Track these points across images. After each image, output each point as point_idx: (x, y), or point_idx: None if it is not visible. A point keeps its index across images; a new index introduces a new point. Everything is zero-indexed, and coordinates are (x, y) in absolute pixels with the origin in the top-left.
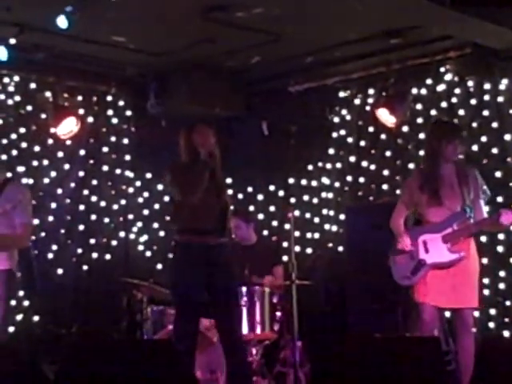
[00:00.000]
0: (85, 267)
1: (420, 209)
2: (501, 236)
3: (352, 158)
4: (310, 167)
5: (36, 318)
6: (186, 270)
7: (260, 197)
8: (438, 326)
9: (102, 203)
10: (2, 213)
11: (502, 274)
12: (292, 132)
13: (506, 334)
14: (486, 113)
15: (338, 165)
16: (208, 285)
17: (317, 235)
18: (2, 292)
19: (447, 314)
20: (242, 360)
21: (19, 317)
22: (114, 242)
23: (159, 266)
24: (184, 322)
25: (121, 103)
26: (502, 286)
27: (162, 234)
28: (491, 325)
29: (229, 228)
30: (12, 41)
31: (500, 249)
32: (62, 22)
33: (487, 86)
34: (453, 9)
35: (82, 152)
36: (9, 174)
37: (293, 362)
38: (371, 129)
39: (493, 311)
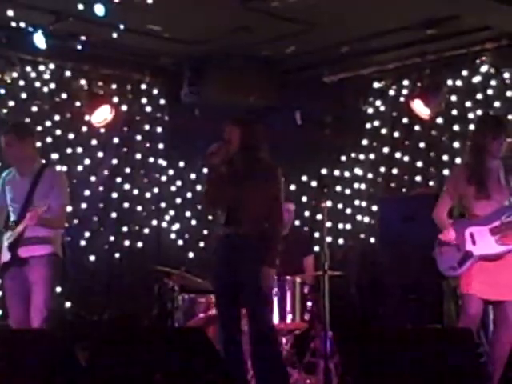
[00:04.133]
0: (117, 255)
1: (465, 201)
2: None
3: (385, 149)
4: (343, 158)
5: (68, 304)
6: (218, 260)
7: (292, 187)
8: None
9: (135, 191)
10: (41, 198)
11: None
12: (327, 122)
13: None
14: None
15: (372, 156)
16: (237, 273)
17: (349, 226)
18: (46, 274)
19: None
20: (270, 349)
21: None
22: (146, 230)
23: (191, 255)
24: (223, 310)
25: (155, 92)
26: None
27: (193, 222)
28: None
29: (254, 218)
30: (49, 28)
31: None
32: (99, 8)
33: None
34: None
35: (116, 140)
36: (43, 161)
37: (323, 353)
38: (405, 120)
39: None
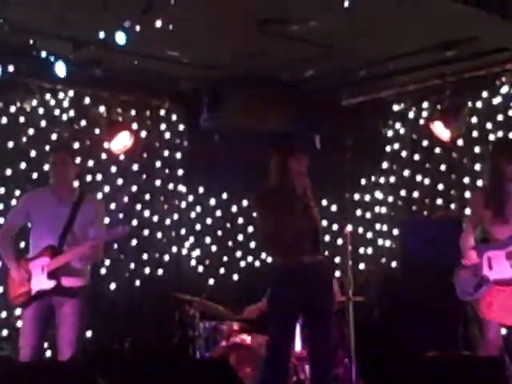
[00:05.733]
0: (137, 282)
1: (485, 226)
2: None
3: (406, 172)
4: (364, 181)
5: (89, 334)
6: (286, 290)
7: None
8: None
9: (155, 218)
10: (82, 226)
11: None
12: (347, 146)
13: None
14: None
15: (392, 179)
16: (305, 300)
17: (370, 250)
18: (81, 307)
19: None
20: (327, 374)
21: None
22: (167, 257)
23: (211, 282)
24: (278, 340)
25: (174, 117)
26: None
27: (214, 248)
28: None
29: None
30: (69, 56)
31: None
32: (120, 37)
33: None
34: (511, 20)
35: (135, 167)
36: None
37: (348, 380)
38: (425, 142)
39: None
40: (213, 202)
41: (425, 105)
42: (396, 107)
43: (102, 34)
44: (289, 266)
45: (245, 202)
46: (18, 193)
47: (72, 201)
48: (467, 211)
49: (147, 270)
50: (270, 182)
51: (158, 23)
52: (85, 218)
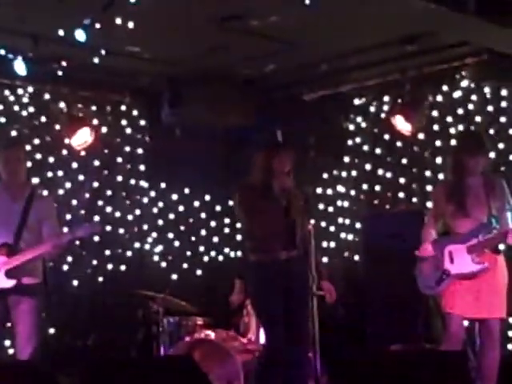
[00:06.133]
0: (100, 279)
1: (447, 220)
2: None
3: (367, 166)
4: (325, 175)
5: (52, 331)
6: (268, 287)
7: None
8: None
9: (117, 214)
10: (35, 223)
11: None
12: (309, 140)
13: None
14: (503, 119)
15: (354, 173)
16: (283, 295)
17: (333, 244)
18: (37, 304)
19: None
20: (301, 369)
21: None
22: (129, 253)
23: (174, 277)
24: (272, 336)
25: (135, 113)
26: None
27: (177, 244)
28: (511, 333)
29: (301, 241)
30: (28, 54)
31: None
32: (79, 35)
33: (504, 93)
34: (471, 15)
35: (97, 163)
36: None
37: (313, 374)
38: (387, 136)
39: None
40: (175, 197)
41: (386, 99)
42: (357, 101)
43: (61, 32)
44: (265, 262)
45: (207, 197)
46: None
47: (24, 197)
48: (429, 204)
49: (110, 266)
50: (252, 179)
51: (118, 20)
52: (38, 214)
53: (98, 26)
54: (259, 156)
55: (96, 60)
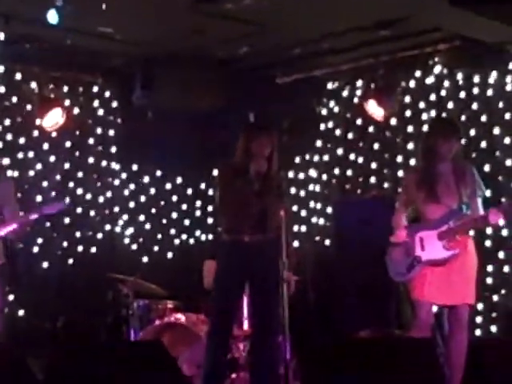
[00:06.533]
0: (70, 261)
1: (418, 206)
2: (489, 231)
3: (339, 151)
4: (297, 159)
5: (21, 312)
6: (226, 265)
7: None
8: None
9: (88, 196)
10: None
11: (489, 268)
12: (281, 124)
13: (494, 328)
14: (474, 106)
15: (326, 157)
16: (247, 278)
17: (303, 228)
18: (2, 286)
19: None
20: (269, 354)
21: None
22: (100, 235)
23: (145, 259)
24: (219, 316)
25: (107, 94)
26: (489, 280)
27: (148, 226)
28: (478, 319)
29: (271, 226)
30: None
31: (488, 243)
32: (52, 16)
33: (476, 79)
34: (445, 1)
35: (68, 144)
36: None
37: (282, 359)
38: (359, 121)
39: (480, 306)
40: (146, 179)
41: (359, 83)
42: (330, 85)
43: (33, 13)
44: (231, 242)
45: (179, 180)
46: None
47: None
48: (400, 190)
49: (80, 248)
50: (234, 159)
51: (91, 1)
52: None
53: (70, 7)
54: (240, 138)
55: (65, 39)
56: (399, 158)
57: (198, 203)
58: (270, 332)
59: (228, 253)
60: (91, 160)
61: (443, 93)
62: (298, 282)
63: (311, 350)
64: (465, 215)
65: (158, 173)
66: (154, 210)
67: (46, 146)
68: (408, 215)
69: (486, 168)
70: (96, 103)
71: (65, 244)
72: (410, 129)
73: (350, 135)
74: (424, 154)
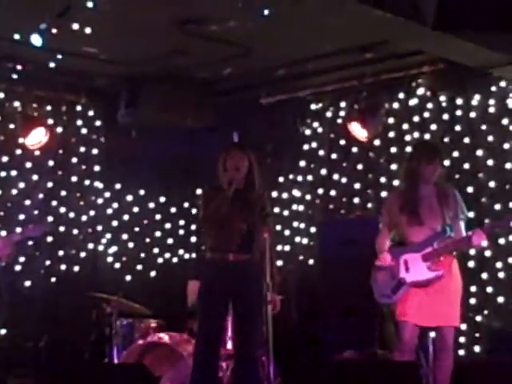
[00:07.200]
0: (53, 279)
1: (401, 229)
2: (472, 251)
3: (323, 171)
4: (281, 179)
5: (3, 331)
6: (210, 285)
7: None
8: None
9: (71, 214)
10: None
11: (472, 289)
12: (265, 144)
13: (477, 349)
14: (458, 128)
15: (309, 177)
16: (231, 298)
17: (287, 248)
18: None
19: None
20: (252, 374)
21: None
22: (83, 254)
23: (128, 278)
24: (205, 337)
25: (90, 113)
26: (472, 301)
27: (131, 245)
28: (462, 340)
29: (256, 246)
30: None
31: (471, 264)
32: (36, 39)
33: (459, 102)
34: (429, 26)
35: (51, 163)
36: None
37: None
38: (343, 142)
39: (464, 326)
40: (130, 198)
41: (342, 104)
42: (314, 106)
43: (17, 36)
44: (214, 261)
45: (162, 199)
46: None
47: None
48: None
49: (63, 267)
50: (216, 181)
51: (76, 25)
52: None
53: (54, 30)
54: (219, 157)
55: (49, 59)
56: (382, 179)
57: (182, 222)
58: (254, 351)
59: (212, 271)
60: (74, 179)
61: (426, 115)
62: (281, 301)
63: (295, 371)
64: (449, 237)
65: (142, 191)
66: (137, 229)
67: (28, 165)
68: (393, 237)
69: (470, 190)
70: (79, 122)
71: (47, 262)
72: (394, 150)
73: (334, 155)
74: (407, 177)
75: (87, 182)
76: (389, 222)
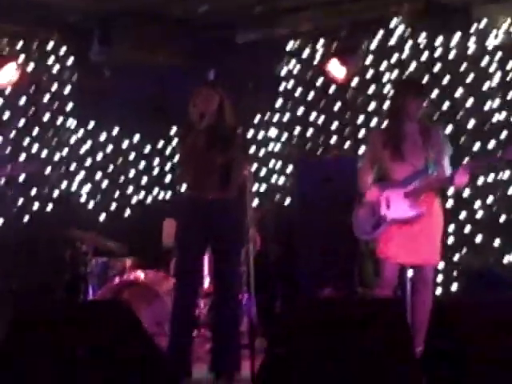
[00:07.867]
0: (26, 218)
1: (383, 165)
2: (450, 191)
3: (300, 111)
4: (258, 118)
5: None
6: (188, 223)
7: None
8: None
9: (44, 153)
10: None
11: (450, 228)
12: (241, 83)
13: (454, 287)
14: (437, 68)
15: (286, 117)
16: (209, 236)
17: (263, 187)
18: None
19: None
20: (231, 312)
21: None
22: (56, 193)
23: (102, 217)
24: (184, 274)
25: (62, 51)
26: (450, 240)
27: (105, 184)
28: (439, 279)
29: (234, 184)
30: None
31: (449, 204)
32: None
33: (439, 41)
34: None
35: (23, 100)
36: None
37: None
38: (320, 81)
39: (441, 265)
40: (103, 136)
41: (320, 44)
42: (291, 45)
43: None
44: (192, 199)
45: (136, 137)
46: None
47: None
48: (361, 150)
49: (36, 206)
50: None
51: None
52: None
53: None
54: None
55: None
56: (360, 119)
57: (156, 161)
58: (232, 290)
59: (190, 209)
60: (47, 117)
61: (405, 54)
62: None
63: (274, 309)
64: (431, 175)
65: (115, 130)
66: (111, 168)
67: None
68: (373, 175)
69: (448, 129)
70: (51, 59)
71: (20, 201)
72: (372, 89)
73: (311, 95)
74: (391, 114)
75: (60, 121)
76: (372, 158)
